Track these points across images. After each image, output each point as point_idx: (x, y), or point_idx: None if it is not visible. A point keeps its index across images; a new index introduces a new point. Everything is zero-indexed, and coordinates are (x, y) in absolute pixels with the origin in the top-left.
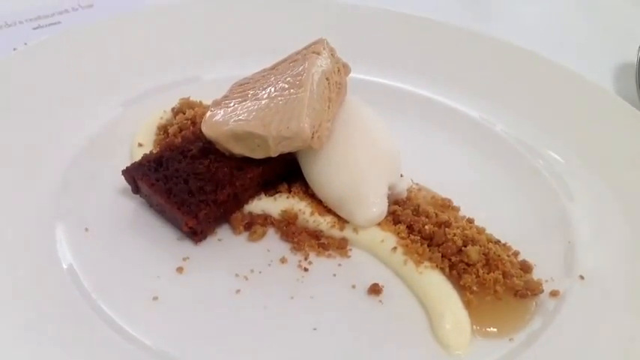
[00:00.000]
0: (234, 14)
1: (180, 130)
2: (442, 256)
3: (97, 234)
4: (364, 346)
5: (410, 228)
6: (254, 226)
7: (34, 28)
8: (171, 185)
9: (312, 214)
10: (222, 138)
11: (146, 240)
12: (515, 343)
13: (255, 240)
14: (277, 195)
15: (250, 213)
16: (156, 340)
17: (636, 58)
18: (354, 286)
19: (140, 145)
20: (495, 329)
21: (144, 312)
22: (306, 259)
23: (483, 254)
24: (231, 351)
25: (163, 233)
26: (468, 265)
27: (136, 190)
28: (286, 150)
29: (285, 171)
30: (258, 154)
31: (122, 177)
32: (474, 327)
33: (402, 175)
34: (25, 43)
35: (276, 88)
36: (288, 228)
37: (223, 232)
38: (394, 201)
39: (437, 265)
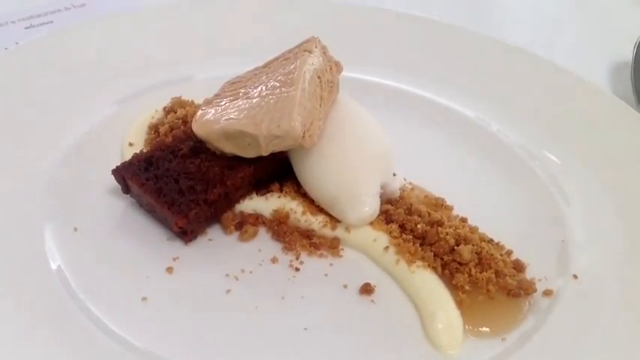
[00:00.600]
0: (226, 13)
1: (172, 130)
2: (434, 256)
3: (86, 234)
4: (356, 347)
5: (402, 227)
6: (245, 225)
7: (26, 28)
8: (162, 185)
9: (303, 213)
10: (213, 137)
11: (136, 240)
12: (508, 343)
13: (246, 240)
14: (269, 194)
15: (241, 212)
16: (145, 341)
17: (631, 56)
18: (345, 286)
19: (131, 144)
20: (488, 329)
21: (133, 312)
22: (297, 258)
23: (476, 253)
24: (222, 352)
25: (153, 233)
26: (460, 264)
27: (126, 189)
28: (277, 149)
29: (277, 170)
30: (250, 153)
31: (112, 176)
32: (467, 327)
33: (394, 174)
34: (17, 43)
35: (267, 86)
36: (280, 227)
37: (214, 232)
38: (386, 200)
39: (429, 265)
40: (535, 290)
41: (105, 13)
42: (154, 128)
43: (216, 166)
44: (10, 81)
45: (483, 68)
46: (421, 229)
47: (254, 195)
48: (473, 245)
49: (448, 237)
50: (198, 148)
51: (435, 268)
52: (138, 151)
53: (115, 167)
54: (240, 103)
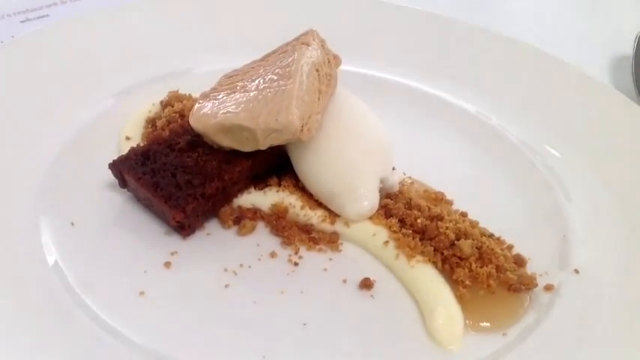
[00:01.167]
0: (223, 6)
1: (169, 124)
2: (434, 250)
3: (83, 228)
4: (355, 342)
5: (402, 222)
6: (243, 220)
7: (22, 21)
8: (159, 179)
9: (302, 207)
10: (210, 131)
11: (133, 234)
12: (508, 338)
13: (244, 234)
14: (267, 188)
15: (239, 207)
16: (142, 336)
17: (632, 49)
18: (345, 281)
19: (128, 138)
20: (489, 324)
21: (130, 307)
22: (296, 253)
23: (476, 248)
24: (220, 347)
25: (151, 227)
26: (460, 259)
27: (123, 184)
28: (275, 143)
29: (275, 164)
30: (247, 147)
31: (109, 171)
32: (467, 322)
33: (394, 168)
34: (13, 36)
35: (265, 79)
36: (278, 222)
37: (212, 226)
38: (386, 194)
39: (429, 259)
40: (536, 285)
41: (101, 5)
42: (151, 122)
43: (214, 160)
44: (5, 75)
45: (483, 62)
46: (421, 224)
47: (252, 189)
48: (473, 240)
49: (448, 231)
50: (196, 141)
51: (435, 263)
52: (135, 145)
53: (112, 161)
54: (238, 96)
